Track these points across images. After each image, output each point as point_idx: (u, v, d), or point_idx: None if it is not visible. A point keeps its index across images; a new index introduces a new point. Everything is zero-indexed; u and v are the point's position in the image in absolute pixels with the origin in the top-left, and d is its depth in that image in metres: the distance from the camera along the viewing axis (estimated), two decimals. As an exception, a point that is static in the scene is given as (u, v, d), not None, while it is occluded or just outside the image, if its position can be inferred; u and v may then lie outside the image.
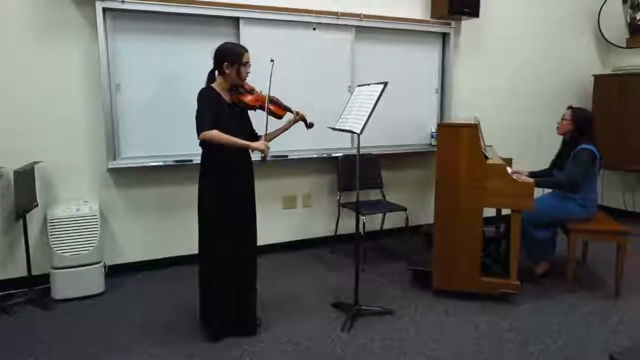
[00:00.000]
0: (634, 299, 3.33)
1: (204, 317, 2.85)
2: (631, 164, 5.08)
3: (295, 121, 2.92)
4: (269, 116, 2.74)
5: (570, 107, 3.67)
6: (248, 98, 2.73)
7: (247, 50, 2.70)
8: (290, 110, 2.88)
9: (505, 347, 2.72)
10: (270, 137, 2.89)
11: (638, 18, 5.27)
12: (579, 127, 3.53)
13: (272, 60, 2.71)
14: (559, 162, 3.70)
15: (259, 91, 2.79)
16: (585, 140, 3.47)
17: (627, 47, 5.41)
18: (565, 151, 3.64)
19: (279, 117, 2.84)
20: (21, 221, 3.25)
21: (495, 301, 3.25)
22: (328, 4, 4.13)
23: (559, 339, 2.80)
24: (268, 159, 2.68)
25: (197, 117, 2.59)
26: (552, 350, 2.68)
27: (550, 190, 3.75)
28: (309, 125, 2.93)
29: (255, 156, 2.77)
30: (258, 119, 2.82)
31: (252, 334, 2.82)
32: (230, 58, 2.64)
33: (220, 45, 2.70)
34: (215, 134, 2.54)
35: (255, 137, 2.87)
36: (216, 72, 2.72)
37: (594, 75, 5.42)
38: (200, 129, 2.55)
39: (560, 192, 3.58)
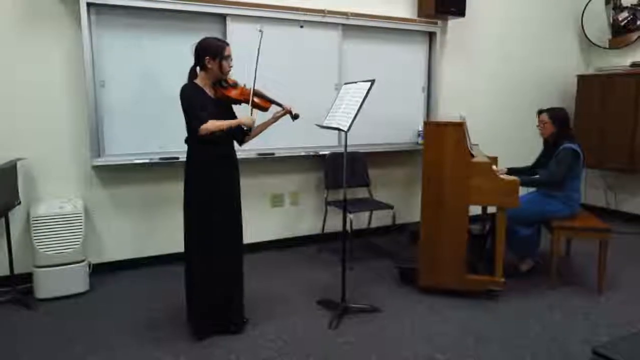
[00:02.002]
0: (615, 295, 3.38)
1: (190, 315, 2.83)
2: (613, 163, 5.17)
3: (282, 114, 2.91)
4: (255, 109, 2.75)
5: (541, 111, 3.68)
6: (232, 92, 2.72)
7: (228, 44, 2.69)
8: (275, 103, 2.87)
9: (490, 343, 2.75)
10: (257, 130, 2.90)
11: (620, 19, 5.36)
12: (560, 125, 3.58)
13: (260, 31, 2.70)
14: (542, 161, 3.75)
15: (243, 85, 2.78)
16: (567, 139, 3.52)
17: (610, 48, 5.50)
18: (548, 151, 3.69)
19: (265, 109, 2.83)
20: (3, 219, 3.20)
21: (480, 298, 3.28)
22: (315, 2, 4.13)
23: (543, 335, 2.84)
24: (252, 131, 2.79)
25: (188, 114, 2.57)
26: (536, 346, 2.72)
27: (534, 189, 3.80)
28: (295, 117, 2.92)
29: (244, 152, 2.77)
30: (245, 112, 2.80)
31: (239, 332, 2.82)
32: (212, 52, 2.62)
33: (201, 40, 2.68)
34: (211, 125, 2.54)
35: (241, 131, 2.86)
36: (198, 68, 2.70)
37: (577, 75, 5.50)
38: (197, 124, 2.52)
39: (544, 190, 3.63)
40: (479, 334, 2.85)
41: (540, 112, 3.70)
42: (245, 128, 2.73)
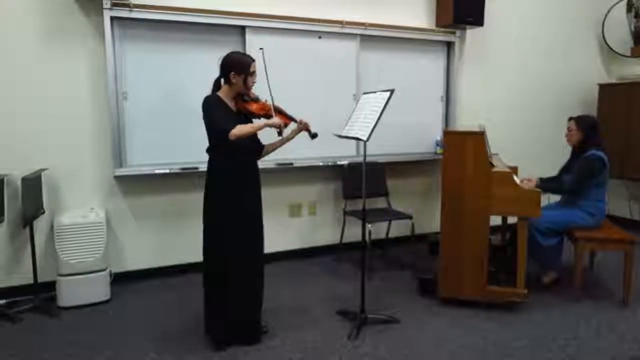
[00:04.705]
0: (642, 308, 3.31)
1: (208, 325, 2.84)
2: (637, 173, 5.07)
3: (299, 130, 2.91)
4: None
5: (571, 118, 3.66)
6: (253, 106, 2.75)
7: (254, 60, 2.72)
8: (294, 120, 2.88)
9: (513, 356, 2.70)
10: (274, 145, 2.93)
11: (642, 27, 5.28)
12: (588, 133, 3.54)
13: (261, 49, 2.71)
14: (568, 169, 3.69)
15: (264, 100, 2.81)
16: (595, 147, 3.48)
17: (632, 56, 5.42)
18: (575, 158, 3.64)
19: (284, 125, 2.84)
20: (28, 228, 3.26)
21: (502, 310, 3.23)
22: (333, 13, 4.16)
23: (568, 348, 2.78)
24: (284, 134, 2.72)
25: (214, 122, 2.59)
26: (560, 360, 2.67)
27: (557, 198, 3.74)
28: (313, 136, 2.91)
29: (263, 163, 2.79)
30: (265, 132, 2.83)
31: (257, 342, 2.81)
32: (238, 68, 2.65)
33: (228, 55, 2.72)
34: (240, 130, 2.54)
35: (259, 145, 2.87)
36: (222, 81, 2.74)
37: (598, 84, 5.43)
38: (226, 129, 2.52)
39: (568, 199, 3.57)
40: (501, 347, 2.79)
41: (569, 119, 3.67)
42: (277, 130, 2.68)
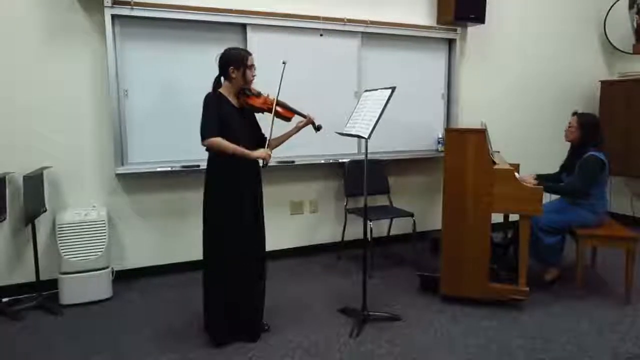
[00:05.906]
0: (644, 306, 3.30)
1: (209, 322, 2.83)
2: (638, 170, 5.05)
3: (304, 124, 2.92)
4: (277, 119, 2.77)
5: (575, 113, 3.65)
6: (255, 101, 2.75)
7: (251, 54, 2.72)
8: (298, 113, 2.89)
9: (514, 354, 2.70)
10: (279, 140, 2.93)
11: (645, 24, 5.26)
12: (587, 132, 3.51)
13: (284, 63, 2.75)
14: (568, 166, 3.68)
15: (266, 94, 2.81)
16: (594, 146, 3.46)
17: (634, 53, 5.40)
18: (573, 156, 3.62)
19: (287, 119, 2.85)
20: (30, 226, 3.27)
21: (503, 307, 3.23)
22: (335, 11, 4.15)
23: (569, 346, 2.78)
24: (268, 164, 2.74)
25: (202, 123, 2.60)
26: (562, 358, 2.66)
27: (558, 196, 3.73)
28: (317, 128, 2.93)
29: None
30: (267, 122, 2.83)
31: (257, 340, 2.81)
32: (235, 62, 2.66)
33: (224, 51, 2.72)
34: (218, 141, 2.56)
35: (263, 140, 2.87)
36: (222, 78, 2.74)
37: (600, 81, 5.41)
38: (204, 134, 2.57)
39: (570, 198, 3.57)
40: (503, 344, 2.79)
41: (573, 113, 3.65)
42: (261, 163, 2.72)
